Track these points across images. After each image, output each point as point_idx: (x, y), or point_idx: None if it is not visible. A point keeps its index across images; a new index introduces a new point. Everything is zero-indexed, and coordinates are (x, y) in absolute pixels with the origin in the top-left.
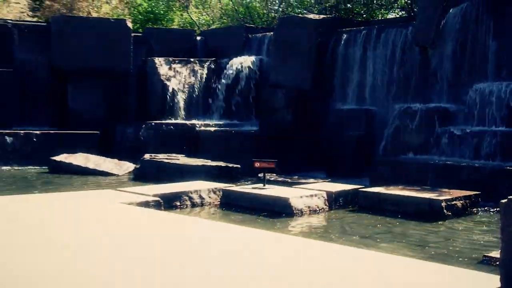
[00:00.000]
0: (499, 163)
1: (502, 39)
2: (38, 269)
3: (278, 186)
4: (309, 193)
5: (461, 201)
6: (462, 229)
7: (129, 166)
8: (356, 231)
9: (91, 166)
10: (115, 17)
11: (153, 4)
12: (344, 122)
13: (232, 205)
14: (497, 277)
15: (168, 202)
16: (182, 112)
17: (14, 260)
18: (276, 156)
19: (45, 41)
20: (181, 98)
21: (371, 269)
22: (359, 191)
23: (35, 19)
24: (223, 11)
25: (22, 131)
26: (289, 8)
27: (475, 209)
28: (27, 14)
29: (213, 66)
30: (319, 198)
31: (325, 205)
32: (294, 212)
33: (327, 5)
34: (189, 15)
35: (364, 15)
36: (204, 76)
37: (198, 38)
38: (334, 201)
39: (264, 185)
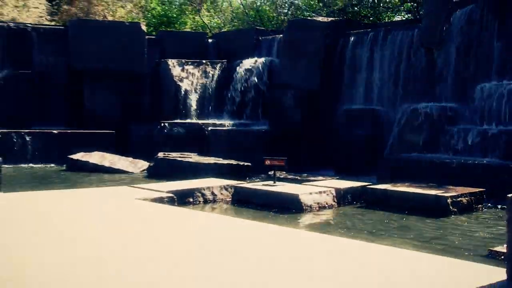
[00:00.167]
0: (504, 161)
1: (506, 40)
2: (56, 259)
3: (288, 183)
4: (318, 190)
5: (467, 198)
6: (468, 224)
7: (143, 164)
8: (364, 226)
9: (106, 164)
10: (130, 20)
11: (166, 8)
12: (352, 122)
13: (243, 201)
14: (503, 270)
15: (181, 199)
16: (195, 112)
17: (33, 250)
18: (286, 155)
19: (63, 44)
20: (193, 98)
21: (380, 263)
22: (366, 188)
23: (53, 23)
24: (234, 14)
25: (40, 131)
26: (298, 11)
27: (480, 205)
28: (46, 18)
29: (224, 68)
30: (327, 194)
31: (334, 201)
32: (304, 208)
33: (335, 8)
34: (201, 19)
35: (371, 18)
36: (216, 77)
37: (210, 40)
38: (343, 197)
39: (274, 182)
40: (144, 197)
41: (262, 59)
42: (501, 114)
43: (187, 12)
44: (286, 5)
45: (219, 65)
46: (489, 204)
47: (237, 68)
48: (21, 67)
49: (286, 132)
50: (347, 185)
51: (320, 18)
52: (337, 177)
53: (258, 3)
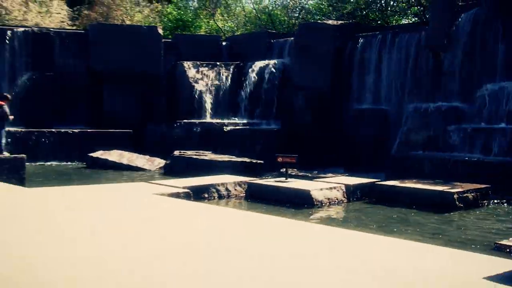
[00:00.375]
0: (508, 158)
1: (510, 42)
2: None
3: (299, 180)
4: (328, 186)
5: (473, 194)
6: (474, 219)
7: (160, 162)
8: (373, 220)
9: (125, 162)
10: (147, 24)
11: (182, 12)
12: (360, 121)
13: (257, 197)
14: (510, 261)
15: (197, 194)
16: (209, 112)
17: (63, 239)
18: (297, 153)
19: (83, 47)
20: (208, 99)
21: (389, 254)
22: (375, 184)
23: (74, 27)
24: (246, 18)
25: (62, 130)
26: (308, 15)
27: (485, 201)
28: (67, 23)
29: (237, 69)
30: (338, 190)
31: (344, 197)
32: (315, 203)
33: (344, 12)
34: (215, 23)
35: (379, 21)
36: (229, 78)
37: (224, 43)
38: (352, 193)
39: (286, 179)
40: (161, 193)
41: (274, 61)
42: (505, 113)
43: (201, 16)
44: (297, 9)
45: (232, 67)
46: (495, 200)
47: (250, 69)
48: (44, 69)
49: (297, 131)
50: (357, 181)
51: (330, 22)
52: (347, 174)
53: (270, 8)
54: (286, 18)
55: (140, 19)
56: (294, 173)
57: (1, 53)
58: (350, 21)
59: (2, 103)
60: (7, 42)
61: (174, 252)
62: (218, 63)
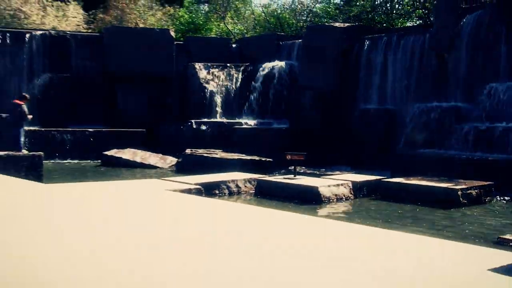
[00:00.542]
0: (511, 156)
1: None
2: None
3: (307, 177)
4: (336, 183)
5: (476, 190)
6: (477, 215)
7: (172, 160)
8: (379, 216)
9: (138, 160)
10: (159, 27)
11: (193, 15)
12: (366, 121)
13: (266, 193)
14: None
15: (208, 190)
16: (219, 112)
17: (80, 229)
18: (305, 152)
19: (98, 49)
20: (218, 99)
21: (398, 246)
22: (381, 181)
23: (89, 31)
24: (256, 21)
25: (77, 129)
26: (316, 18)
27: (488, 197)
28: (83, 27)
29: (247, 71)
30: (345, 187)
31: (351, 193)
32: (323, 199)
33: (351, 15)
34: (226, 25)
35: (384, 24)
36: (239, 79)
37: (234, 45)
38: (359, 190)
39: (294, 176)
40: (174, 189)
41: (283, 62)
42: (507, 112)
43: (212, 19)
44: (305, 12)
45: (242, 68)
46: (498, 197)
47: (259, 71)
48: (61, 71)
49: (305, 130)
50: (363, 178)
51: (337, 24)
52: (353, 172)
53: (279, 11)
54: (294, 21)
55: (153, 22)
56: (302, 171)
57: (20, 55)
58: (357, 23)
59: (21, 102)
60: (26, 44)
61: (190, 246)
62: (228, 65)
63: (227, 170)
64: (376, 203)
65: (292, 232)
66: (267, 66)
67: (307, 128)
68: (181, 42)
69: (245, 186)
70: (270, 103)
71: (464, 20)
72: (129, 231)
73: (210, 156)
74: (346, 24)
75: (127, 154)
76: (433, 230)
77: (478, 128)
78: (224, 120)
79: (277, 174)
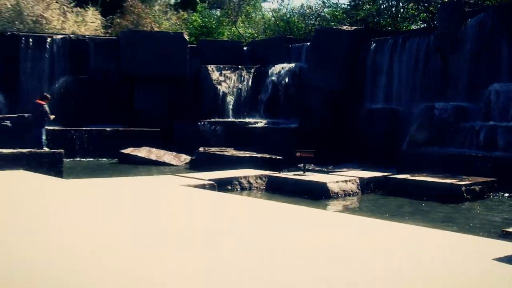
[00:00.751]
0: None
1: None
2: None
3: (316, 173)
4: (344, 179)
5: (479, 186)
6: (481, 209)
7: (185, 158)
8: (386, 210)
9: (153, 157)
10: (174, 31)
11: (206, 20)
12: (373, 120)
13: (276, 189)
14: None
15: (221, 186)
16: (231, 112)
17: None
18: (313, 150)
19: (115, 52)
20: (230, 99)
21: (406, 238)
22: (388, 177)
23: (107, 35)
24: (266, 25)
25: (96, 129)
26: (324, 22)
27: (491, 193)
28: (101, 31)
29: (258, 72)
30: (352, 183)
31: (358, 189)
32: (331, 195)
33: (358, 18)
34: (237, 29)
35: (389, 27)
36: (250, 80)
37: (245, 48)
38: (366, 185)
39: (304, 173)
40: (188, 184)
41: (292, 64)
42: (509, 112)
43: (224, 23)
44: (313, 16)
45: (253, 70)
46: (500, 193)
47: (270, 72)
48: (80, 73)
49: (314, 129)
50: (370, 175)
51: (344, 27)
52: (361, 169)
53: (288, 15)
54: (303, 25)
55: (167, 26)
56: (310, 168)
57: (42, 58)
58: (363, 27)
59: (43, 102)
60: (47, 48)
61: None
62: (239, 67)
63: (239, 167)
64: (382, 198)
65: (306, 225)
66: (277, 67)
67: (315, 127)
68: (195, 45)
69: (256, 182)
70: (280, 103)
71: (467, 22)
72: (141, 223)
73: (223, 154)
74: (353, 27)
75: (143, 152)
76: (438, 223)
77: (481, 127)
78: (236, 119)
79: (286, 171)
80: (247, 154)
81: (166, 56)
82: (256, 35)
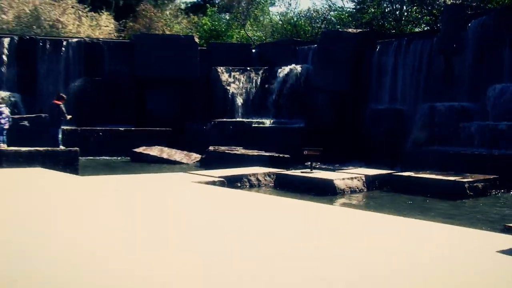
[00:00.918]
0: None
1: None
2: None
3: (323, 171)
4: (350, 176)
5: (482, 183)
6: (483, 206)
7: (196, 157)
8: (390, 206)
9: (165, 156)
10: (185, 34)
11: (215, 23)
12: (378, 119)
13: (284, 186)
14: None
15: (231, 183)
16: (240, 112)
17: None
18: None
19: (128, 54)
20: (239, 100)
21: (412, 231)
22: (393, 175)
23: (120, 38)
24: (274, 28)
25: (109, 128)
26: (330, 25)
27: (493, 190)
28: (114, 35)
29: (266, 74)
30: (358, 180)
31: (363, 186)
32: (337, 191)
33: (363, 21)
34: (246, 32)
35: (393, 30)
36: (259, 81)
37: (253, 50)
38: (371, 183)
39: (311, 170)
40: (199, 181)
41: (299, 66)
42: (510, 111)
43: (233, 27)
44: (320, 19)
45: (261, 71)
46: (502, 190)
47: (277, 73)
48: (94, 75)
49: (320, 129)
50: (375, 172)
51: (350, 30)
52: (366, 167)
53: (295, 19)
54: (309, 28)
55: (178, 30)
56: (317, 166)
57: (58, 60)
58: (368, 29)
59: (59, 102)
60: (63, 51)
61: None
62: (248, 68)
63: (248, 165)
64: (387, 195)
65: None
66: (285, 69)
67: (321, 127)
68: (205, 48)
69: (265, 179)
70: (287, 103)
71: (470, 25)
72: (153, 217)
73: (232, 152)
74: (359, 30)
75: (155, 151)
76: (442, 218)
77: (483, 126)
78: (245, 119)
79: (294, 169)
80: (255, 152)
81: (177, 59)
82: (264, 38)
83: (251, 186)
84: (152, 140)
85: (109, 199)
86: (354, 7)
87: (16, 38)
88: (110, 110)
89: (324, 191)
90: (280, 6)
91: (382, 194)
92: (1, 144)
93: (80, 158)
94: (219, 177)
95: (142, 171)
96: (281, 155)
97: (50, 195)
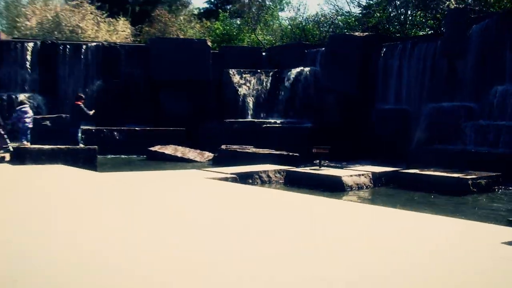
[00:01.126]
0: None
1: None
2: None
3: (331, 168)
4: (357, 173)
5: (485, 180)
6: (486, 201)
7: (209, 155)
8: (397, 202)
9: (179, 154)
10: (198, 38)
11: (227, 27)
12: (384, 119)
13: (294, 182)
14: None
15: (242, 179)
16: (251, 112)
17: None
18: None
19: (144, 58)
20: (250, 101)
21: (418, 226)
22: (398, 172)
23: (136, 42)
24: (283, 32)
25: (126, 128)
26: (337, 29)
27: (496, 187)
28: (130, 39)
29: (275, 76)
30: (365, 177)
31: (370, 183)
32: (345, 188)
33: (369, 25)
34: (256, 36)
35: (398, 34)
36: (269, 83)
37: (264, 53)
38: (378, 179)
39: (319, 167)
40: (212, 177)
41: (308, 68)
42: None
43: (244, 31)
44: (327, 24)
45: (271, 73)
46: (505, 186)
47: (286, 75)
48: (112, 77)
49: (328, 129)
50: (382, 169)
51: (357, 33)
52: (373, 165)
53: (304, 23)
54: (317, 32)
55: (191, 34)
56: (325, 164)
57: (77, 63)
58: (374, 33)
59: (79, 103)
60: (82, 55)
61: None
62: (258, 70)
63: (259, 163)
64: (394, 191)
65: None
66: (294, 71)
67: (329, 127)
68: (217, 51)
69: (275, 176)
70: (296, 104)
71: (473, 28)
72: (165, 211)
73: (243, 151)
74: (365, 34)
75: (169, 149)
76: (447, 213)
77: (486, 125)
78: (255, 119)
79: (303, 167)
80: (266, 151)
81: (190, 62)
82: (274, 41)
83: (262, 182)
84: (166, 140)
85: (124, 194)
86: (360, 11)
87: (38, 43)
88: (126, 111)
89: (333, 188)
90: (289, 11)
91: (388, 191)
92: (25, 143)
93: (98, 156)
94: (232, 173)
95: (158, 168)
96: (290, 154)
97: (71, 189)
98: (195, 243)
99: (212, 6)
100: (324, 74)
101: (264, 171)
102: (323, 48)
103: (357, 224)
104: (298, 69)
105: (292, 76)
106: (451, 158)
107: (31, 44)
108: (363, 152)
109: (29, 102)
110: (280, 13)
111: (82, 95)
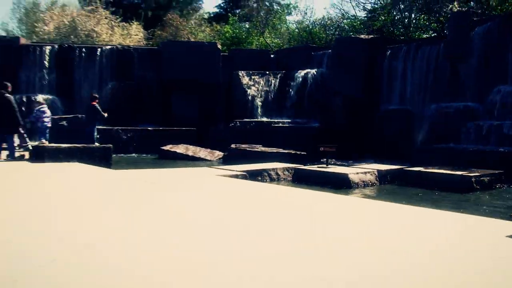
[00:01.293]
0: None
1: None
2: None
3: (338, 166)
4: (363, 171)
5: (488, 178)
6: (489, 198)
7: (219, 154)
8: (402, 198)
9: (190, 153)
10: (208, 41)
11: (236, 31)
12: (389, 119)
13: (301, 180)
14: None
15: (252, 176)
16: (260, 113)
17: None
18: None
19: (156, 60)
20: (258, 101)
21: (423, 222)
22: (403, 169)
23: (149, 45)
24: (290, 35)
25: (139, 128)
26: (343, 32)
27: (499, 184)
28: (143, 42)
29: (283, 77)
30: (371, 174)
31: (376, 180)
32: (352, 185)
33: (374, 28)
34: (264, 39)
35: (402, 37)
36: (277, 84)
37: (272, 56)
38: (383, 177)
39: (326, 165)
40: (223, 174)
41: (314, 70)
42: None
43: (253, 34)
44: (333, 27)
45: (279, 75)
46: (507, 184)
47: (294, 77)
48: (125, 79)
49: (334, 129)
50: (387, 167)
51: (362, 36)
52: (378, 163)
53: (310, 26)
54: (324, 35)
55: (202, 37)
56: (332, 162)
57: (92, 66)
58: (379, 36)
59: (94, 103)
60: (97, 57)
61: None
62: (267, 72)
63: (267, 161)
64: (399, 188)
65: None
66: (301, 73)
67: (335, 126)
68: (227, 54)
69: (284, 174)
70: (303, 105)
71: (475, 31)
72: (177, 205)
73: (253, 150)
74: (370, 36)
75: (181, 148)
76: (451, 209)
77: (488, 125)
78: (264, 119)
79: (310, 165)
80: (274, 150)
81: (201, 64)
82: (281, 44)
83: (271, 179)
84: (178, 139)
85: (138, 189)
86: (365, 15)
87: (56, 46)
88: (139, 111)
89: (339, 185)
90: (296, 15)
91: (394, 188)
92: (44, 141)
93: (113, 155)
94: (241, 171)
95: (170, 166)
96: (298, 152)
97: (87, 185)
98: (203, 242)
99: (221, 10)
100: (330, 77)
101: (273, 169)
102: (330, 51)
103: (358, 222)
104: (305, 71)
105: (300, 77)
106: (454, 157)
107: (48, 48)
108: (368, 151)
109: (48, 102)
110: (287, 17)
111: (96, 95)
